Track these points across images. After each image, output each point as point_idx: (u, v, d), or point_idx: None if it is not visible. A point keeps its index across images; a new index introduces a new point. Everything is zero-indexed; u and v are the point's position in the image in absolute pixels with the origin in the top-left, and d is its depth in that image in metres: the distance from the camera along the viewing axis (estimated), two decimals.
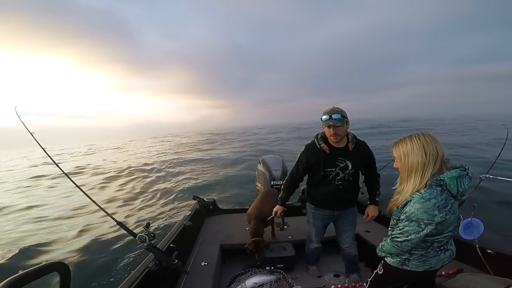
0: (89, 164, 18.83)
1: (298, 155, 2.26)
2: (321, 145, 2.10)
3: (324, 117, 1.98)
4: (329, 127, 1.97)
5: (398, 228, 1.30)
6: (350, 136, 2.12)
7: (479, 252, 2.07)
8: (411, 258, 1.35)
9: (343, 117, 1.96)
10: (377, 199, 2.29)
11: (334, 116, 1.94)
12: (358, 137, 2.19)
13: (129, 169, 14.39)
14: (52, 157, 2.08)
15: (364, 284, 1.70)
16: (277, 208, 2.50)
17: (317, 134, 2.19)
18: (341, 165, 2.11)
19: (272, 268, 2.62)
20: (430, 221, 1.18)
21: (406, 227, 1.25)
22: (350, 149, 2.10)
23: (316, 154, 2.15)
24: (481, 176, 2.21)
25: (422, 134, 1.28)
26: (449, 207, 1.21)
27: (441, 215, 1.18)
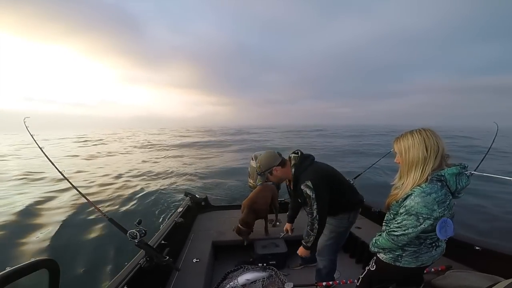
0: (79, 155, 18.53)
1: None
2: None
3: None
4: None
5: (396, 222, 1.31)
6: (292, 173, 1.99)
7: (467, 249, 2.12)
8: (403, 254, 1.37)
9: (261, 174, 2.03)
10: (303, 241, 2.03)
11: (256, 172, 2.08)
12: (314, 164, 2.00)
13: (122, 164, 14.19)
14: (47, 154, 2.04)
15: (356, 281, 1.71)
16: (287, 226, 2.69)
17: None
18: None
19: (265, 264, 2.63)
20: (428, 216, 1.20)
21: (405, 221, 1.26)
22: (291, 187, 2.11)
23: None
24: (466, 173, 2.24)
25: (423, 129, 1.29)
26: (447, 202, 1.22)
27: (439, 210, 1.20)
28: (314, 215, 1.85)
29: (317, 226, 1.88)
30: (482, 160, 2.39)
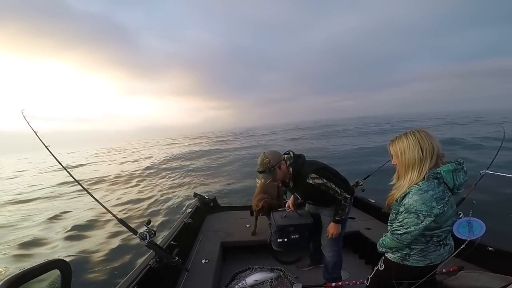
0: (91, 162, 18.82)
1: None
2: None
3: None
4: None
5: (398, 221, 1.32)
6: (290, 173, 2.09)
7: (480, 249, 2.07)
8: (411, 253, 1.36)
9: (263, 171, 2.05)
10: (337, 218, 2.10)
11: (259, 171, 2.11)
12: (309, 164, 2.09)
13: (131, 168, 14.39)
14: (56, 156, 2.08)
15: (365, 281, 1.70)
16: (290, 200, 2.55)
17: None
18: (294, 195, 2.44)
19: (285, 240, 2.41)
20: (428, 213, 1.20)
21: (406, 219, 1.27)
22: (291, 186, 2.19)
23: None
24: (481, 172, 2.19)
25: (417, 130, 1.31)
26: (447, 199, 1.23)
27: (439, 207, 1.20)
28: (339, 191, 1.98)
29: (347, 195, 2.00)
30: (493, 160, 2.34)
